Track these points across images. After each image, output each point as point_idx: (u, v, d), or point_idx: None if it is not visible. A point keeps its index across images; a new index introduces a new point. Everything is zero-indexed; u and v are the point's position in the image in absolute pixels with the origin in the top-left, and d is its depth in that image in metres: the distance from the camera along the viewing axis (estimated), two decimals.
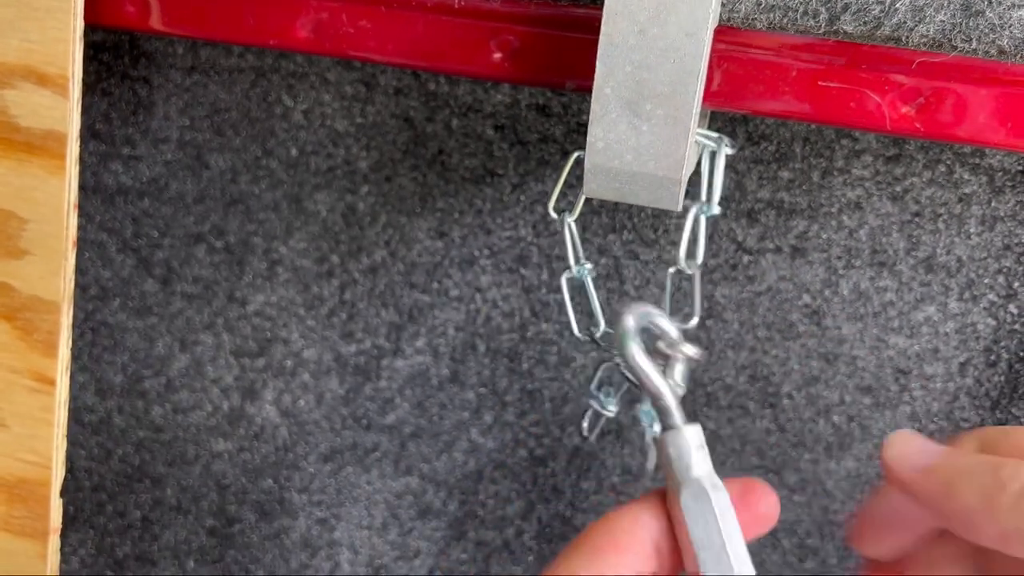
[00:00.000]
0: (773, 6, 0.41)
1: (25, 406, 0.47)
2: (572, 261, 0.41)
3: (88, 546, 0.62)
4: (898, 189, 0.46)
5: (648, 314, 0.34)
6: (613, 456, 0.54)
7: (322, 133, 0.52)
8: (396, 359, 0.55)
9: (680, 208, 0.39)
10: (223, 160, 0.53)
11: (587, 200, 0.47)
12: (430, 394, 0.55)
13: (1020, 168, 0.44)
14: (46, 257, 0.45)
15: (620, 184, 0.38)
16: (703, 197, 0.39)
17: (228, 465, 0.59)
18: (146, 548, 0.62)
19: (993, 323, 0.47)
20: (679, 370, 0.34)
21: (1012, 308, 0.47)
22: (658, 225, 0.49)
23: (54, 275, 0.45)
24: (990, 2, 0.40)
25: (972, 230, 0.46)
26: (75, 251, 0.46)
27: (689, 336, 0.36)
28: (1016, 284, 0.46)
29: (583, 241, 0.50)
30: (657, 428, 0.41)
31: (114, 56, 0.53)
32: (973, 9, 0.40)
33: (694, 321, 0.38)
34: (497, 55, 0.41)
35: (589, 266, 0.42)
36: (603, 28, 0.36)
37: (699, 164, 0.40)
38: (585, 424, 0.44)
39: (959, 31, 0.40)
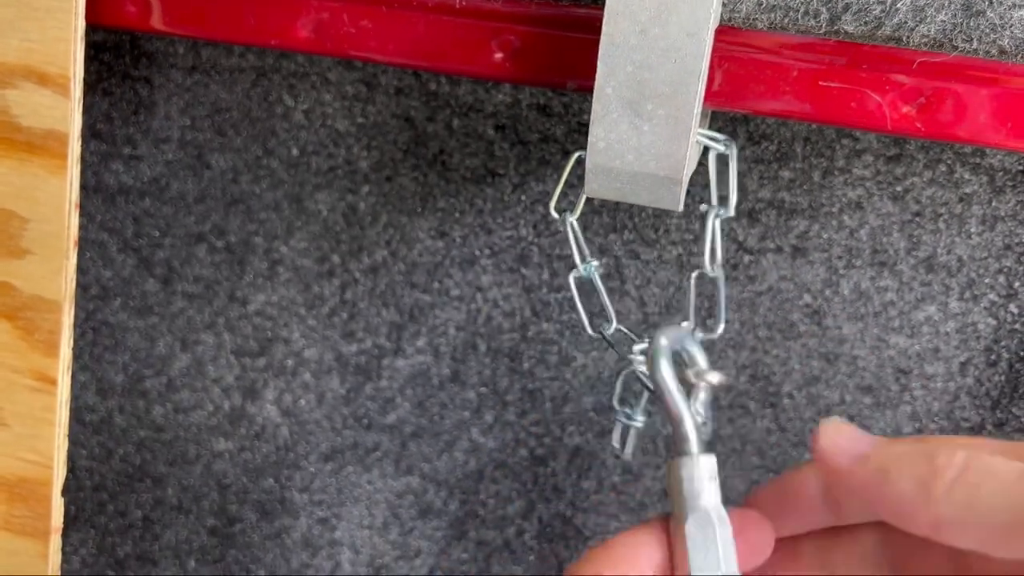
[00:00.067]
0: (774, 6, 0.41)
1: (26, 405, 0.47)
2: (578, 260, 0.41)
3: (89, 545, 0.63)
4: (899, 189, 0.46)
5: (683, 338, 0.34)
6: (614, 456, 0.54)
7: (323, 133, 0.52)
8: (397, 359, 0.55)
9: (681, 208, 0.39)
10: (224, 160, 0.53)
11: (588, 200, 0.47)
12: (431, 394, 0.55)
13: (1021, 168, 0.44)
14: (47, 257, 0.45)
15: (621, 184, 0.38)
16: (713, 200, 0.39)
17: (229, 465, 0.59)
18: (147, 548, 0.62)
19: (994, 323, 0.47)
20: (702, 399, 0.34)
21: (1013, 308, 0.47)
22: (659, 225, 0.49)
23: (55, 275, 0.45)
24: (991, 2, 0.40)
25: (973, 230, 0.46)
26: (76, 251, 0.46)
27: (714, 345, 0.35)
28: (1017, 284, 0.46)
29: (584, 240, 0.50)
30: (638, 420, 0.41)
31: (115, 56, 0.53)
32: (974, 9, 0.40)
33: (720, 328, 0.38)
34: (498, 55, 0.41)
35: (596, 263, 0.42)
36: (604, 28, 0.36)
37: (705, 165, 0.40)
38: (616, 441, 0.42)
39: (960, 31, 0.40)
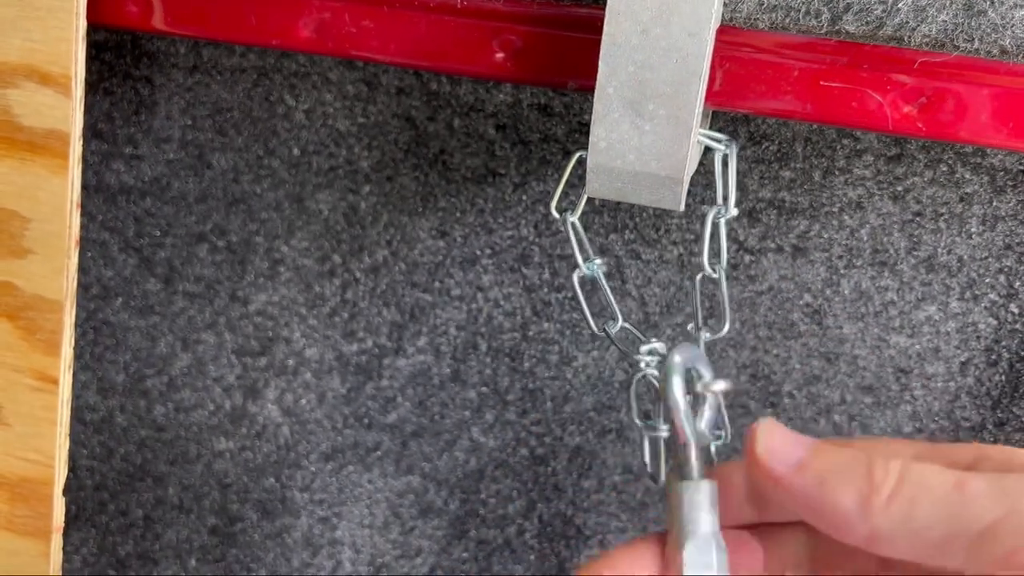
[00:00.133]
0: (775, 6, 0.41)
1: (28, 405, 0.47)
2: (579, 259, 0.41)
3: (90, 545, 0.63)
4: (899, 189, 0.46)
5: (697, 357, 0.34)
6: (614, 455, 0.54)
7: (324, 133, 0.52)
8: (398, 358, 0.55)
9: (682, 208, 0.39)
10: (225, 160, 0.53)
11: (589, 199, 0.47)
12: (432, 393, 0.55)
13: (1021, 168, 0.44)
14: (49, 256, 0.45)
15: (622, 184, 0.38)
16: (719, 199, 0.39)
17: (230, 464, 0.59)
18: (148, 547, 0.62)
19: (994, 322, 0.47)
20: (708, 417, 0.34)
21: (1013, 307, 0.47)
22: (660, 225, 0.49)
23: (57, 274, 0.45)
24: (992, 2, 0.40)
25: (973, 230, 0.46)
26: (78, 250, 0.46)
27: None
28: (1017, 283, 0.46)
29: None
30: (664, 429, 0.40)
31: (116, 56, 0.53)
32: (975, 9, 0.40)
33: (725, 328, 0.38)
34: (499, 55, 0.41)
35: (599, 261, 0.41)
36: (606, 28, 0.36)
37: (706, 165, 0.40)
38: (647, 458, 0.42)
39: (961, 31, 0.40)
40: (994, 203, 0.45)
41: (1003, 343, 0.47)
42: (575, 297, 0.42)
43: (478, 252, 0.52)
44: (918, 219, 0.46)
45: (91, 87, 0.53)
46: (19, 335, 0.46)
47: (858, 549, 0.29)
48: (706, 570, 0.31)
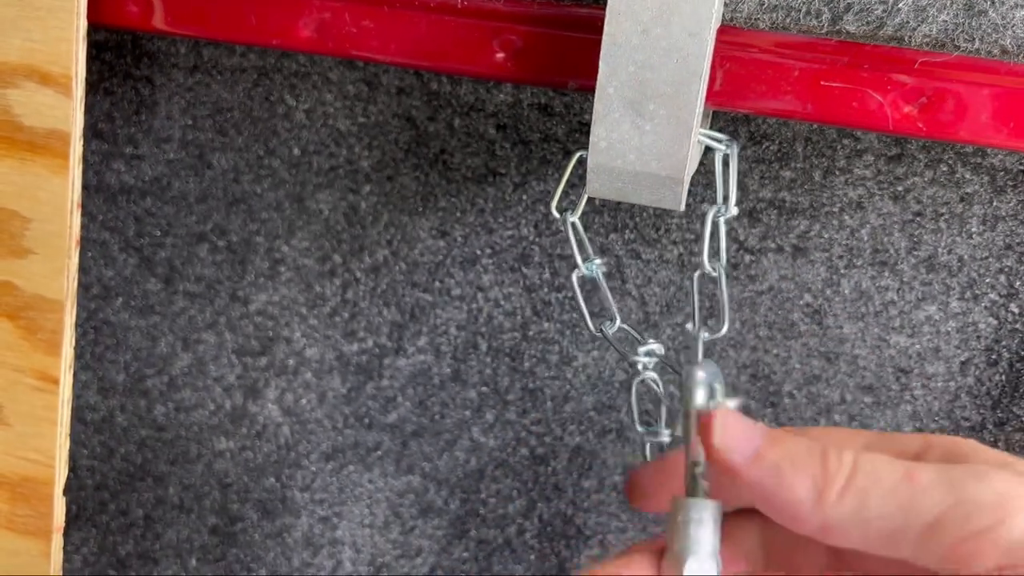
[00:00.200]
0: (776, 6, 0.41)
1: (28, 405, 0.47)
2: (579, 259, 0.41)
3: (91, 544, 0.63)
4: (900, 189, 0.46)
5: (716, 374, 0.34)
6: (614, 455, 0.54)
7: (324, 132, 0.52)
8: (398, 358, 0.55)
9: (682, 208, 0.39)
10: (225, 159, 0.53)
11: (589, 199, 0.47)
12: (432, 393, 0.55)
13: (1022, 168, 0.44)
14: (49, 256, 0.45)
15: (623, 184, 0.38)
16: (719, 199, 0.39)
17: (230, 464, 0.59)
18: (148, 546, 0.62)
19: (994, 322, 0.47)
20: None
21: (1013, 307, 0.47)
22: (660, 224, 0.49)
23: (57, 274, 0.45)
24: (993, 2, 0.40)
25: (973, 229, 0.46)
26: (78, 250, 0.46)
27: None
28: (1017, 283, 0.46)
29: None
30: (666, 435, 0.40)
31: (117, 56, 0.53)
32: (976, 9, 0.40)
33: (724, 329, 0.38)
34: (500, 55, 0.41)
35: (599, 261, 0.41)
36: (606, 28, 0.36)
37: (706, 165, 0.40)
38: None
39: (962, 31, 0.40)
40: (994, 203, 0.45)
41: (1003, 343, 0.47)
42: (575, 297, 0.42)
43: (478, 252, 0.52)
44: (918, 219, 0.46)
45: (91, 87, 0.53)
46: (20, 335, 0.46)
47: (811, 539, 0.29)
48: None
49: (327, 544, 0.59)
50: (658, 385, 0.40)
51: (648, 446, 0.42)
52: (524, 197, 0.50)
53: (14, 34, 0.43)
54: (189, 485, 0.60)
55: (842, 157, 0.46)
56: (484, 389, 0.54)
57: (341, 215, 0.53)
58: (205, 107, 0.53)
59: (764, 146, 0.47)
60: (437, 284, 0.53)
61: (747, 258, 0.49)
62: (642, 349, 0.40)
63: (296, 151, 0.52)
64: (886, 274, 0.47)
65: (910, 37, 0.41)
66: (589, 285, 0.42)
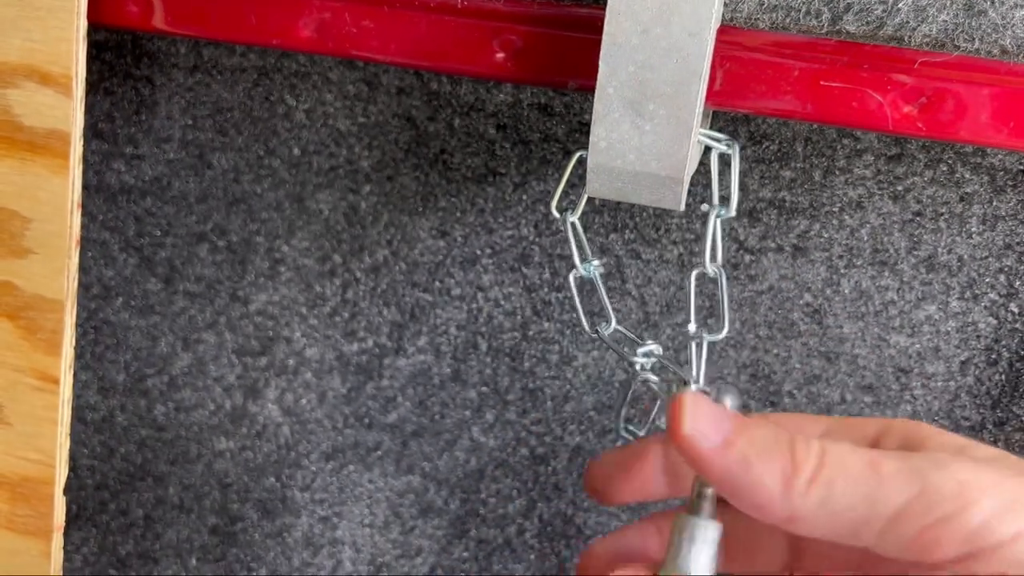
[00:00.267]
0: (776, 6, 0.41)
1: (28, 404, 0.47)
2: (577, 260, 0.41)
3: (91, 544, 0.63)
4: (899, 188, 0.46)
5: (737, 397, 0.34)
6: None
7: (324, 132, 0.52)
8: (398, 358, 0.55)
9: (682, 208, 0.39)
10: (226, 159, 0.53)
11: (589, 199, 0.47)
12: (432, 393, 0.55)
13: (1022, 167, 0.44)
14: (49, 256, 0.45)
15: (622, 184, 0.38)
16: (715, 199, 0.39)
17: (230, 464, 0.59)
18: (148, 546, 0.62)
19: (994, 322, 0.47)
20: None
21: (1013, 307, 0.47)
22: (660, 224, 0.49)
23: (57, 274, 0.45)
24: (992, 2, 0.40)
25: (973, 229, 0.46)
26: (78, 250, 0.46)
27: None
28: (1017, 283, 0.46)
29: (585, 240, 0.50)
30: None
31: (117, 55, 0.53)
32: (975, 9, 0.40)
33: (724, 330, 0.38)
34: (500, 55, 0.41)
35: (597, 262, 0.41)
36: (606, 28, 0.36)
37: (706, 165, 0.40)
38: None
39: (962, 31, 0.40)
40: (994, 203, 0.45)
41: (1003, 342, 0.47)
42: (572, 298, 0.42)
43: (478, 252, 0.52)
44: (918, 219, 0.46)
45: (92, 87, 0.53)
46: (20, 335, 0.46)
47: (772, 528, 0.29)
48: None
49: (327, 544, 0.59)
50: (656, 386, 0.40)
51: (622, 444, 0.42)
52: (524, 197, 0.50)
53: (14, 34, 0.43)
54: (189, 485, 0.60)
55: (842, 157, 0.46)
56: (484, 389, 0.54)
57: (341, 215, 0.53)
58: (205, 107, 0.53)
59: (764, 146, 0.47)
60: (437, 284, 0.53)
61: (747, 258, 0.49)
62: (640, 351, 0.40)
63: (296, 151, 0.52)
64: (886, 274, 0.47)
65: (910, 37, 0.41)
66: (588, 286, 0.42)
